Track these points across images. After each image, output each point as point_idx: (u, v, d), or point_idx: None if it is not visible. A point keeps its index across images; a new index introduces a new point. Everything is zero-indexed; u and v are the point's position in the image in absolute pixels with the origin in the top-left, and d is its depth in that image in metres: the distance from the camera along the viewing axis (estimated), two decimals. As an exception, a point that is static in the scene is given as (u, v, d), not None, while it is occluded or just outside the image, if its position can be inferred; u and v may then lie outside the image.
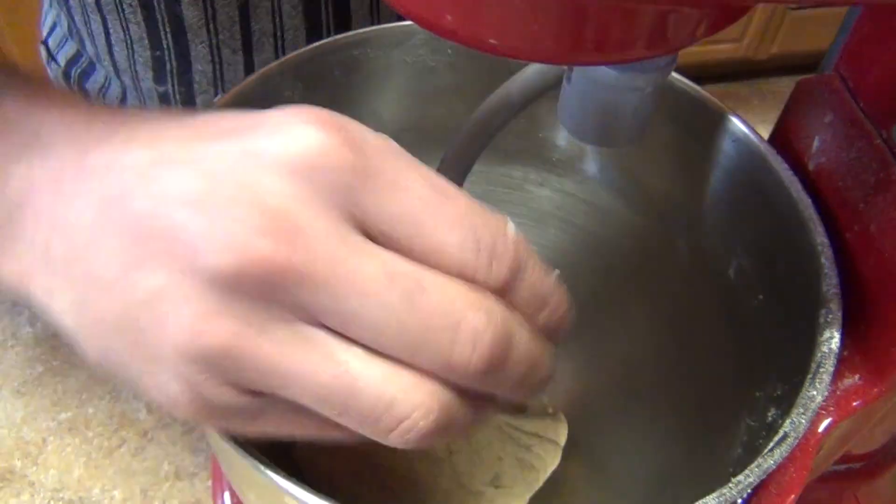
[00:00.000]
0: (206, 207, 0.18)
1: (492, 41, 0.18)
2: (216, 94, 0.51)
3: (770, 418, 0.30)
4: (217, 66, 0.49)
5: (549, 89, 0.28)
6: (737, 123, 0.35)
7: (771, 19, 1.64)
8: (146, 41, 0.48)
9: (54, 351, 0.43)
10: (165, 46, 0.48)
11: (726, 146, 0.35)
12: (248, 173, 0.18)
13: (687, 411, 0.39)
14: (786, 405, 0.28)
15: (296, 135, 0.19)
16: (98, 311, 0.20)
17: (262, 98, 0.34)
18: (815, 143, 0.32)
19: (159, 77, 0.50)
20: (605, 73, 0.25)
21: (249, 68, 0.49)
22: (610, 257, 0.44)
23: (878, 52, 0.29)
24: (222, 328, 0.18)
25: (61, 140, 0.21)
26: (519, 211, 0.45)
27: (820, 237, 0.30)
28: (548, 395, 0.46)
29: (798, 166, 0.33)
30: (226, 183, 0.18)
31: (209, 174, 0.19)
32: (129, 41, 0.48)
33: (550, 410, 0.42)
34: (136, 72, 0.51)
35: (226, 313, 0.18)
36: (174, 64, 0.49)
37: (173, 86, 0.51)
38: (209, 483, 0.44)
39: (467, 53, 0.39)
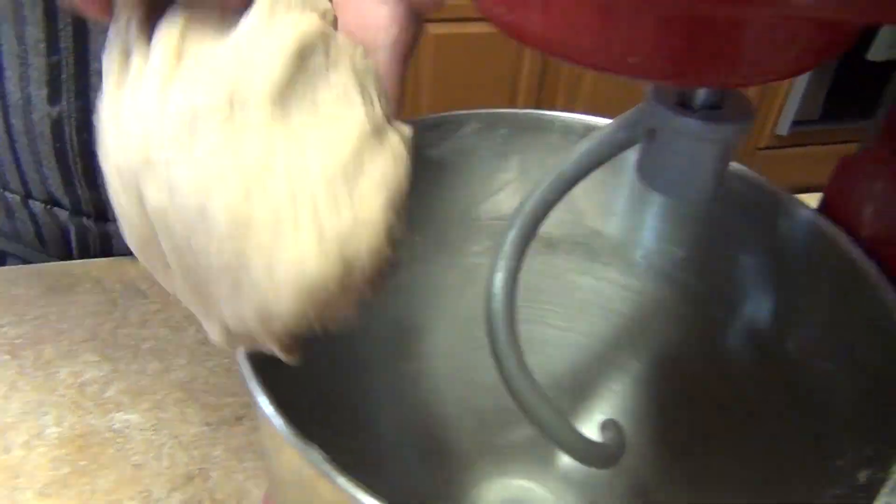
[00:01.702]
0: None
1: (630, 60, 0.19)
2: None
3: (864, 479, 0.29)
4: None
5: (622, 149, 0.30)
6: (786, 198, 0.36)
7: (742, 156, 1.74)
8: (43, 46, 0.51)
9: (81, 451, 0.41)
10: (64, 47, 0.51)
11: (778, 221, 0.36)
12: None
13: (761, 497, 0.38)
14: (882, 460, 0.28)
15: None
16: None
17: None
18: (868, 211, 0.34)
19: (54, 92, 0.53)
20: (690, 124, 0.26)
21: None
22: (654, 343, 0.44)
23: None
24: None
25: None
26: (561, 300, 0.46)
27: (891, 295, 0.31)
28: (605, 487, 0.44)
29: (852, 235, 0.34)
30: None
31: None
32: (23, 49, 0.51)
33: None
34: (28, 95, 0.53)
35: None
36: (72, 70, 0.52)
37: (69, 101, 0.53)
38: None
39: (518, 141, 0.41)
